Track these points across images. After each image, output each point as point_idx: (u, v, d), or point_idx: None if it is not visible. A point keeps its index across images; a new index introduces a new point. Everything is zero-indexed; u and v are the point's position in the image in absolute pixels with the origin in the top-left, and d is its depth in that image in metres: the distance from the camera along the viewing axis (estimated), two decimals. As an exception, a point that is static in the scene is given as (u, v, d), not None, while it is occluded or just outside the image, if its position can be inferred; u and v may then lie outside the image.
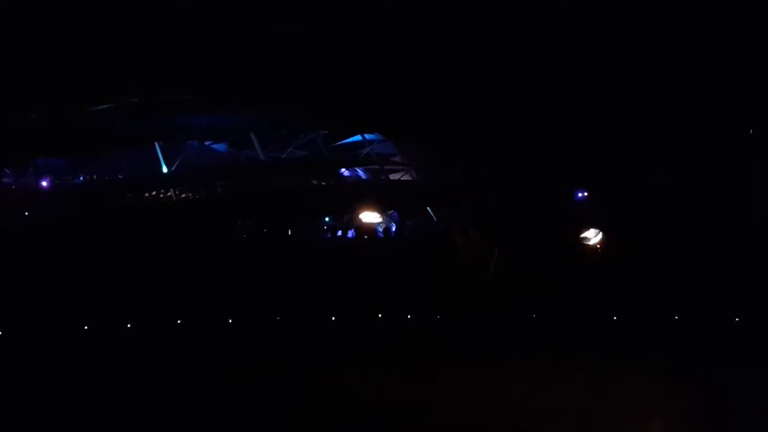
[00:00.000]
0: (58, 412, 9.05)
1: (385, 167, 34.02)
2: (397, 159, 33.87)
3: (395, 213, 33.64)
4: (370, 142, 33.13)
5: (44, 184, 29.69)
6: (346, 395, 9.81)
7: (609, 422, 8.66)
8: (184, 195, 30.93)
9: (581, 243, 12.35)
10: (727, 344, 12.03)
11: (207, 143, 32.47)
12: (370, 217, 12.04)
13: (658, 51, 26.08)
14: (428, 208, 32.02)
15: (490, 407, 9.17)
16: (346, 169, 35.40)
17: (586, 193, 30.39)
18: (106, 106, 27.78)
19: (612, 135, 26.76)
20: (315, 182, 34.07)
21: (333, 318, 14.88)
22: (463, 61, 27.45)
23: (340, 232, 32.20)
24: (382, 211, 33.05)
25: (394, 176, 34.67)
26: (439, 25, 27.09)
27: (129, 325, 14.34)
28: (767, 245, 18.50)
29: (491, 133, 28.11)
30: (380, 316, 15.03)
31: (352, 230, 32.00)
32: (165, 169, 27.79)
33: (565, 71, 27.04)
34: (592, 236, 12.44)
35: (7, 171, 29.66)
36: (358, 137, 33.45)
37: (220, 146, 33.31)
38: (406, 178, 34.35)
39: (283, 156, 33.35)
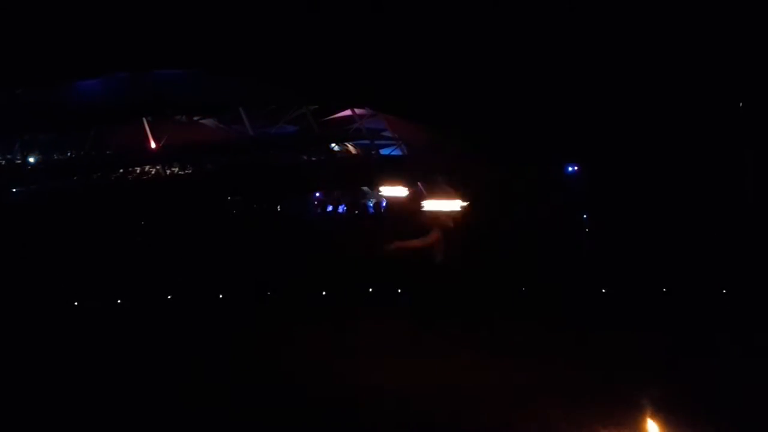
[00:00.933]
0: (44, 395, 9.00)
1: (376, 142, 33.98)
2: (387, 134, 33.82)
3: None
4: (360, 117, 33.03)
5: (31, 160, 29.52)
6: (337, 377, 9.80)
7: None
8: (171, 171, 30.83)
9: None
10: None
11: (195, 118, 32.27)
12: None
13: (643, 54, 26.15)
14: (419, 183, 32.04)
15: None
16: (336, 143, 35.36)
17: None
18: (93, 80, 27.53)
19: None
20: (305, 157, 34.02)
21: (323, 294, 14.89)
22: (455, 37, 27.34)
23: (330, 208, 32.24)
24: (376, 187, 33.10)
25: (384, 151, 34.65)
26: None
27: (119, 301, 14.29)
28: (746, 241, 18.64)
29: (482, 105, 28.10)
30: (371, 290, 15.04)
31: (343, 206, 32.02)
32: (153, 145, 27.61)
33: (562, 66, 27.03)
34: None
35: (-6, 147, 29.48)
36: (347, 112, 33.35)
37: (208, 121, 33.13)
38: (396, 153, 34.33)
39: (273, 131, 33.24)
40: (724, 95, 25.92)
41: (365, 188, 34.19)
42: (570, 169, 32.31)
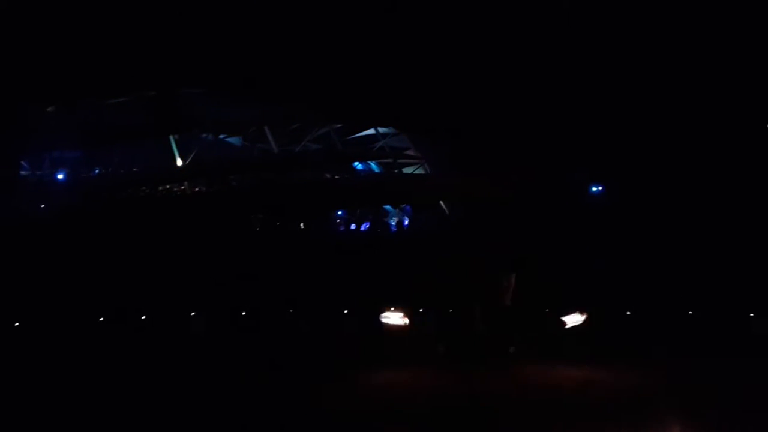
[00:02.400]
0: (61, 406, 9.13)
1: (398, 161, 34.04)
2: (411, 152, 33.88)
3: (408, 207, 33.69)
4: (384, 135, 33.14)
5: (60, 176, 29.96)
6: (355, 392, 9.82)
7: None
8: (198, 188, 31.11)
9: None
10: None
11: (221, 137, 32.63)
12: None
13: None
14: (441, 202, 32.08)
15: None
16: (360, 162, 35.46)
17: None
18: (121, 99, 27.97)
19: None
20: (328, 176, 34.15)
21: (345, 312, 14.91)
22: (473, 54, 27.42)
23: (353, 226, 32.30)
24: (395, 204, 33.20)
25: (407, 170, 34.70)
26: (450, 17, 27.06)
27: (143, 317, 14.43)
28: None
29: (504, 125, 28.09)
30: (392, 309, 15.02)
31: (366, 223, 32.10)
32: (179, 163, 27.94)
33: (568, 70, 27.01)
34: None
35: (24, 163, 29.94)
36: (371, 131, 33.49)
37: (234, 140, 33.47)
38: (419, 171, 34.36)
39: (297, 149, 33.46)
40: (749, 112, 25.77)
41: (388, 206, 34.22)
42: (595, 189, 32.13)
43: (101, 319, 14.26)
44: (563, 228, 22.61)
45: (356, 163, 35.44)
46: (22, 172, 30.05)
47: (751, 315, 14.39)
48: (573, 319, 11.96)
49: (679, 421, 8.05)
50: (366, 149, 34.16)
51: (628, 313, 15.15)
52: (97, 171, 31.64)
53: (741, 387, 9.81)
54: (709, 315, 14.63)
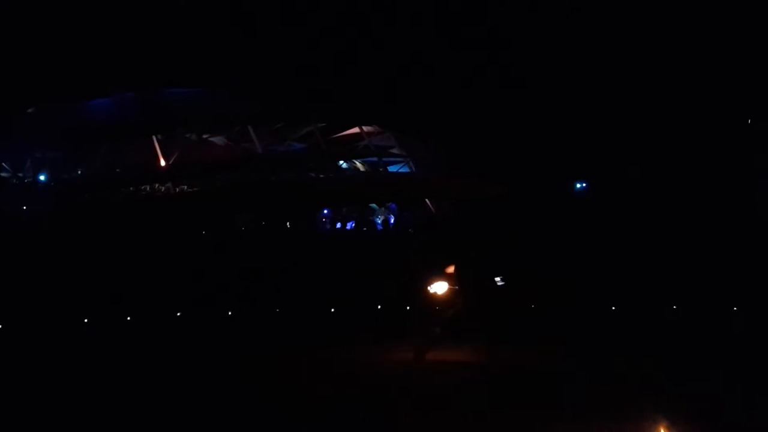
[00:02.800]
0: (54, 408, 9.07)
1: (383, 159, 34.03)
2: (395, 151, 33.86)
3: (393, 205, 33.69)
4: (368, 134, 33.11)
5: (42, 177, 29.70)
6: (343, 386, 9.85)
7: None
8: (181, 188, 30.92)
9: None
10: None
11: (204, 136, 32.42)
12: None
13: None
14: (426, 200, 32.12)
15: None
16: (344, 161, 35.41)
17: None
18: (102, 99, 27.78)
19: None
20: (313, 175, 34.05)
21: (332, 310, 14.91)
22: (457, 53, 27.53)
23: (339, 224, 32.24)
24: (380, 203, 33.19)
25: (392, 168, 34.70)
26: (437, 17, 27.15)
27: (128, 318, 14.35)
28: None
29: (488, 123, 28.21)
30: (379, 307, 15.05)
31: (351, 222, 32.06)
32: (163, 163, 27.77)
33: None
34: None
35: (5, 165, 29.66)
36: (355, 129, 33.44)
37: (217, 139, 33.29)
38: (404, 170, 34.37)
39: (281, 148, 33.35)
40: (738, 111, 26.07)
41: (373, 205, 34.18)
42: (578, 186, 32.34)
43: (85, 320, 14.18)
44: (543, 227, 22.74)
45: (341, 162, 35.40)
46: (3, 174, 29.79)
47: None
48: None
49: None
50: (350, 148, 34.11)
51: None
52: (79, 172, 31.38)
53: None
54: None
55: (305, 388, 9.84)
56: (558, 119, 27.79)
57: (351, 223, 31.77)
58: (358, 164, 35.84)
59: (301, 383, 10.12)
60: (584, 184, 32.27)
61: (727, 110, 26.66)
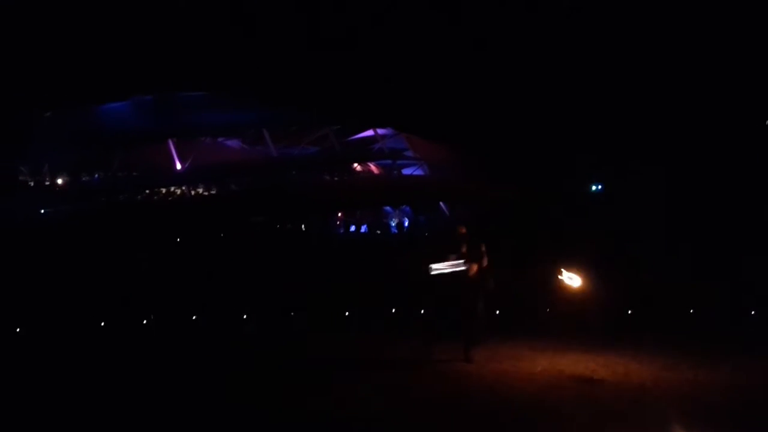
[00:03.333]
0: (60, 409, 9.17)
1: (397, 162, 34.11)
2: (410, 153, 33.95)
3: (407, 207, 33.73)
4: (382, 136, 33.20)
5: (59, 181, 30.03)
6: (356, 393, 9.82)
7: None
8: (196, 192, 31.17)
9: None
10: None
11: (220, 140, 32.66)
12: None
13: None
14: (441, 203, 32.12)
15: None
16: (359, 164, 35.53)
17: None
18: (119, 103, 28.03)
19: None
20: (327, 177, 34.21)
21: (347, 314, 14.92)
22: (470, 55, 27.52)
23: (353, 228, 32.33)
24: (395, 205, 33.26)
25: (406, 171, 34.76)
26: (448, 20, 27.16)
27: (144, 322, 14.44)
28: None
29: (501, 126, 28.17)
30: (393, 311, 15.03)
31: (365, 225, 32.12)
32: (178, 166, 27.98)
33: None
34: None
35: (23, 168, 30.00)
36: (370, 132, 33.56)
37: (232, 143, 33.51)
38: (418, 173, 34.42)
39: (296, 152, 33.52)
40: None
41: (387, 208, 34.27)
42: (594, 188, 32.25)
43: (102, 324, 14.28)
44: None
45: (355, 165, 35.53)
46: (21, 177, 30.12)
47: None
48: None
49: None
50: (365, 151, 34.22)
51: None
52: (96, 176, 31.70)
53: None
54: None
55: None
56: (573, 121, 27.71)
57: (364, 226, 31.85)
58: (372, 167, 35.97)
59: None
60: (599, 186, 32.20)
61: (746, 111, 26.49)
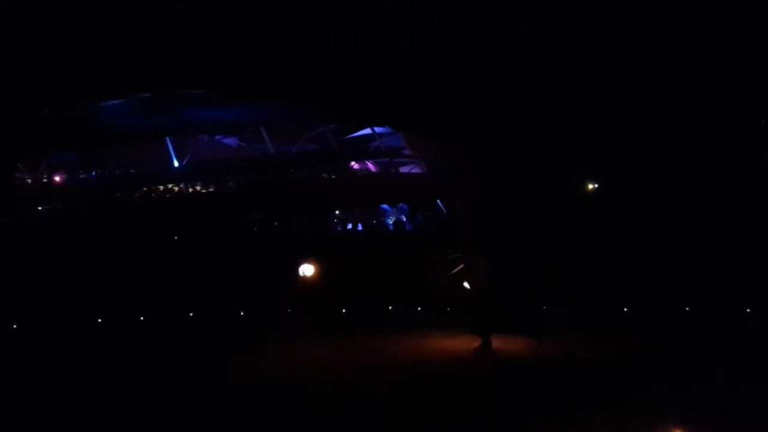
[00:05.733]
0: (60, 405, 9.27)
1: (395, 160, 34.12)
2: (407, 152, 33.95)
3: (405, 206, 33.76)
4: (380, 135, 33.21)
5: (57, 178, 29.99)
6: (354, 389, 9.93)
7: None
8: (194, 189, 31.16)
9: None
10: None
11: (217, 137, 32.67)
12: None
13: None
14: (438, 201, 32.15)
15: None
16: (356, 162, 35.54)
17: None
18: (117, 101, 28.00)
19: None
20: (325, 175, 34.21)
21: (343, 311, 15.02)
22: (468, 53, 27.51)
23: (350, 225, 32.35)
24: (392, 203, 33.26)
25: (403, 169, 34.77)
26: (447, 18, 27.15)
27: (141, 318, 14.52)
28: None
29: (498, 125, 28.17)
30: (390, 308, 15.14)
31: (361, 224, 32.15)
32: (176, 164, 28.00)
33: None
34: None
35: (21, 166, 29.94)
36: (367, 130, 33.55)
37: (230, 140, 33.52)
38: (415, 170, 34.44)
39: (293, 149, 33.51)
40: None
41: (385, 206, 34.28)
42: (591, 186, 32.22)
43: (99, 320, 14.37)
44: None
45: (353, 163, 35.53)
46: (19, 175, 30.07)
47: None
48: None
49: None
50: (362, 149, 34.23)
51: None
52: (94, 173, 31.67)
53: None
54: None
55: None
56: (570, 118, 27.73)
57: (361, 225, 31.87)
58: (370, 165, 35.98)
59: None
60: (596, 185, 32.18)
61: (743, 111, 26.55)
